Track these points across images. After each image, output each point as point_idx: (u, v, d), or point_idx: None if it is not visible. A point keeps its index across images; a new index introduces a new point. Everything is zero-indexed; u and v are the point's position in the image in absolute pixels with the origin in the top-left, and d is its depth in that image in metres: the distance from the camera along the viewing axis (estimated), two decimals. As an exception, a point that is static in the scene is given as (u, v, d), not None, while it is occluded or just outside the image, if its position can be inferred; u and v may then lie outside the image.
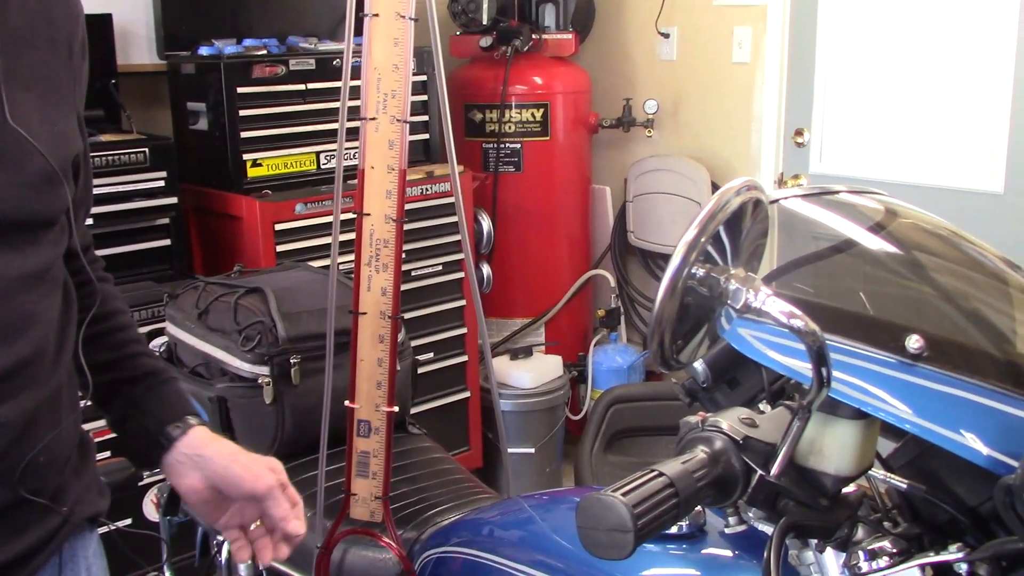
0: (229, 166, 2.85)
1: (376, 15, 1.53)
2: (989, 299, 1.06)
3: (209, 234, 3.01)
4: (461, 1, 3.41)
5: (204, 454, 1.12)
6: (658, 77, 3.70)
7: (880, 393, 0.88)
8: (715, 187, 3.46)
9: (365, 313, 1.59)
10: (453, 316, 3.28)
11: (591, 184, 3.83)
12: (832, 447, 0.90)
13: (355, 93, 1.59)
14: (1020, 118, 2.80)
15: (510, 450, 3.13)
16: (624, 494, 0.79)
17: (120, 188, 2.62)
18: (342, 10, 3.25)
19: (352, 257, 1.59)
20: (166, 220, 2.73)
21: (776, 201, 1.04)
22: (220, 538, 1.80)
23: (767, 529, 0.93)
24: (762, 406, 1.04)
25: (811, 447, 0.91)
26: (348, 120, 1.61)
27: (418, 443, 1.88)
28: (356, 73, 1.58)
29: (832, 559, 0.93)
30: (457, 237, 3.17)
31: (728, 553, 1.09)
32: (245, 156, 2.85)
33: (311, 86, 2.95)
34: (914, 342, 0.89)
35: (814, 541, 0.94)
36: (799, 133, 3.33)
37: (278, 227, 2.82)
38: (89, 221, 1.22)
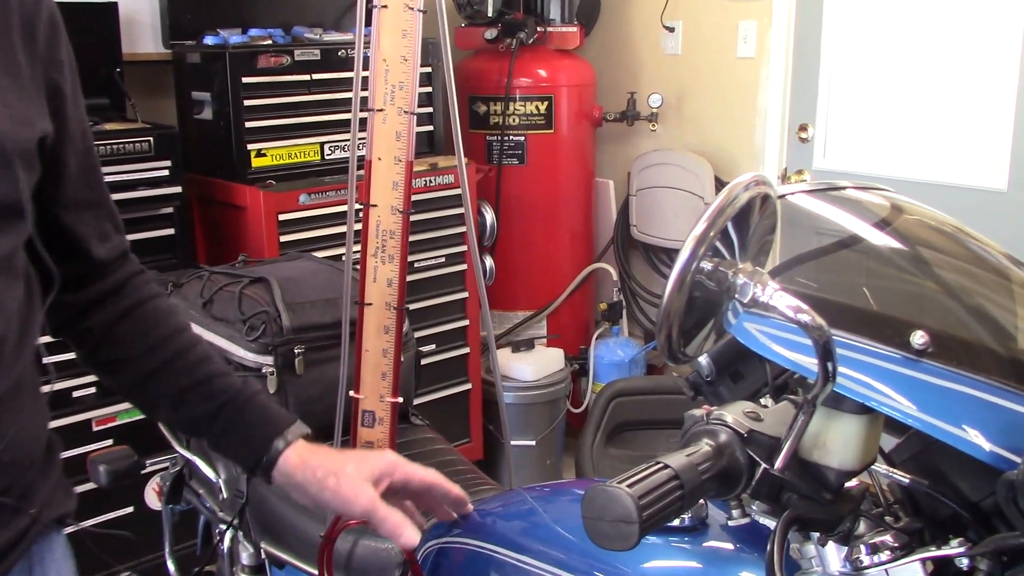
0: (233, 156, 2.85)
1: (385, 6, 1.53)
2: (993, 296, 1.06)
3: (213, 224, 3.02)
4: (466, -7, 3.42)
5: (294, 481, 1.10)
6: (663, 71, 3.70)
7: (884, 388, 0.89)
8: (719, 182, 3.46)
9: (371, 304, 1.59)
10: (455, 308, 3.29)
11: (594, 177, 3.83)
12: (836, 441, 0.91)
13: (362, 84, 1.59)
14: (1024, 116, 2.80)
15: (511, 442, 3.14)
16: (630, 485, 0.80)
17: (124, 177, 2.63)
18: (347, 1, 3.27)
19: (358, 248, 1.59)
20: (170, 209, 2.73)
21: (783, 196, 1.04)
22: (222, 527, 1.81)
23: (769, 522, 0.93)
24: (765, 400, 1.05)
25: (815, 441, 0.91)
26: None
27: (421, 434, 1.89)
28: (364, 64, 1.58)
29: (834, 553, 0.94)
30: (460, 229, 3.17)
31: (730, 546, 1.10)
32: (249, 146, 2.86)
33: (316, 76, 2.95)
34: (919, 338, 0.89)
35: (816, 535, 0.95)
36: (803, 128, 3.33)
37: (282, 217, 2.82)
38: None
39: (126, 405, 2.38)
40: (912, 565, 0.89)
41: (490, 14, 3.45)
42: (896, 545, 0.91)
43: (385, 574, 1.54)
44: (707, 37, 3.55)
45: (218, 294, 1.88)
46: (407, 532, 1.07)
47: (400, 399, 1.62)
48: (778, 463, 0.88)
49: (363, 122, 1.59)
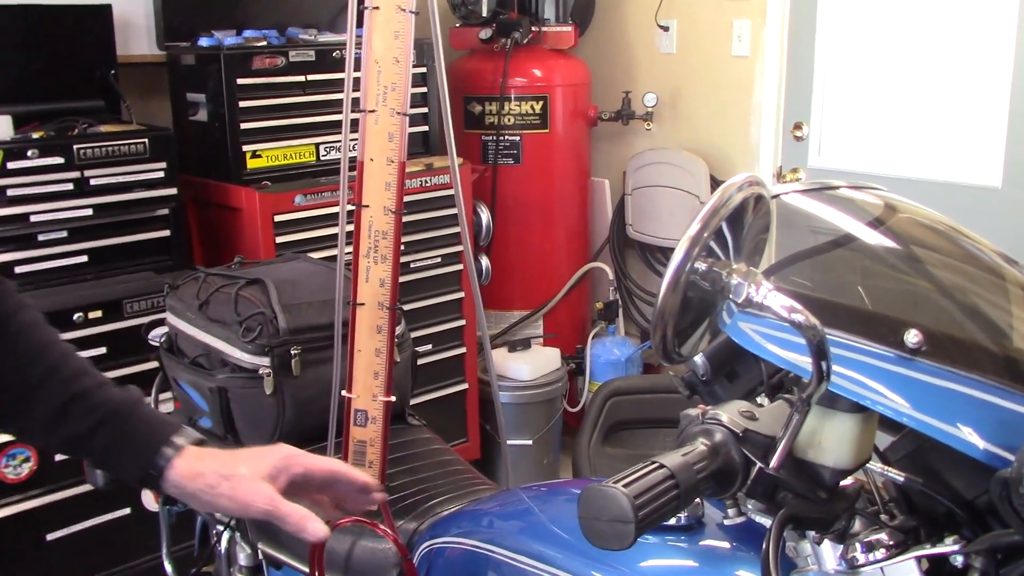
0: (229, 157, 2.85)
1: (377, 8, 1.53)
2: (987, 294, 1.07)
3: (208, 225, 3.02)
4: (461, -7, 3.42)
5: (188, 491, 1.05)
6: (657, 70, 3.70)
7: (878, 387, 0.89)
8: (714, 180, 3.47)
9: (363, 304, 1.59)
10: (451, 308, 3.29)
11: (590, 177, 3.83)
12: (831, 440, 0.91)
13: (354, 85, 1.59)
14: (1018, 113, 2.81)
15: (508, 442, 3.14)
16: (625, 485, 0.80)
17: (120, 179, 2.63)
18: (341, 1, 3.27)
19: (351, 248, 1.59)
20: (165, 211, 2.73)
21: (777, 196, 1.05)
22: (219, 528, 1.81)
23: (765, 521, 0.94)
24: (760, 399, 1.05)
25: (810, 440, 0.92)
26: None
27: (418, 434, 1.89)
28: (355, 65, 1.58)
29: (829, 551, 0.94)
30: (455, 229, 3.17)
31: (726, 544, 1.10)
32: (245, 147, 2.85)
33: (311, 77, 2.95)
34: (912, 337, 0.90)
35: (812, 533, 0.95)
36: (798, 127, 3.34)
37: (277, 218, 2.82)
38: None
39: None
40: (907, 563, 0.90)
41: (485, 14, 3.45)
42: (891, 543, 0.91)
43: (382, 574, 1.54)
44: (702, 36, 3.55)
45: (214, 296, 1.88)
46: (311, 525, 1.03)
47: (393, 398, 1.62)
48: (773, 462, 0.88)
49: (355, 123, 1.59)
